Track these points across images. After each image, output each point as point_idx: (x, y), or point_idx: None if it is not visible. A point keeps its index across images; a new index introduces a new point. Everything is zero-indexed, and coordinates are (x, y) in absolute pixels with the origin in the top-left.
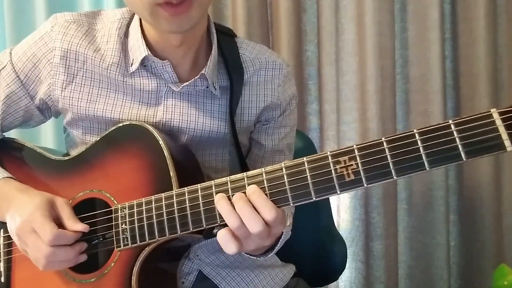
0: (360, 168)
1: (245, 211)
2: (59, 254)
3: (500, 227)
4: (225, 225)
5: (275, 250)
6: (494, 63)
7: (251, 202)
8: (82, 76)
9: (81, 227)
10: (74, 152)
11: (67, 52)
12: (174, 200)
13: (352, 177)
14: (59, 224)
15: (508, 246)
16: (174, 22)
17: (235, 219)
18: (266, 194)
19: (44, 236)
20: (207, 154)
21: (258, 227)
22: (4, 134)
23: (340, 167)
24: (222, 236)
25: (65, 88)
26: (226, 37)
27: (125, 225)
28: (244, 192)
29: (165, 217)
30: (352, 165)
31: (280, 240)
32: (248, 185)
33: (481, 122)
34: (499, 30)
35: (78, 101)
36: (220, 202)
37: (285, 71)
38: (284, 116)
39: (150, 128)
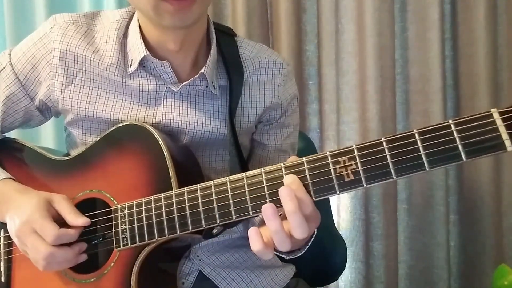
0: (360, 168)
1: (296, 218)
2: (58, 255)
3: (500, 227)
4: (225, 226)
5: (303, 251)
6: (494, 63)
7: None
8: (82, 77)
9: (83, 220)
10: (74, 152)
11: (66, 53)
12: (174, 200)
13: (352, 177)
14: (60, 220)
15: (508, 246)
16: (177, 16)
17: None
18: (264, 195)
19: (46, 237)
20: (207, 155)
21: (304, 235)
22: (4, 134)
23: (340, 167)
24: (257, 250)
25: (64, 89)
26: (226, 36)
27: (125, 225)
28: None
29: (164, 217)
30: (351, 165)
31: (312, 239)
32: (247, 185)
33: (481, 122)
34: (499, 30)
35: (77, 102)
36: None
37: (286, 70)
38: (286, 116)
39: (150, 128)
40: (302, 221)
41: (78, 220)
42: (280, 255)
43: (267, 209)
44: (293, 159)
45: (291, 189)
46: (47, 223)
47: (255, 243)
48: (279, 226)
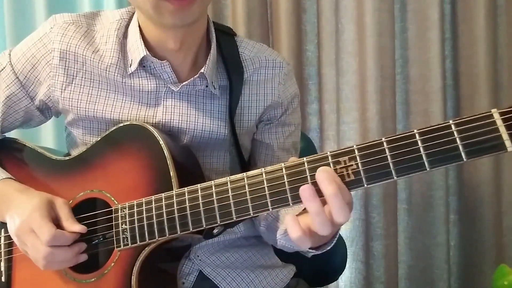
0: (360, 168)
1: (336, 201)
2: (57, 254)
3: (500, 227)
4: (225, 226)
5: (331, 244)
6: (494, 63)
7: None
8: (82, 77)
9: (79, 228)
10: (74, 152)
11: (66, 53)
12: (174, 200)
13: (352, 177)
14: (58, 224)
15: (508, 246)
16: (177, 15)
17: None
18: (265, 195)
19: (42, 237)
20: (208, 156)
21: (345, 219)
22: (4, 134)
23: (340, 167)
24: (296, 237)
25: (64, 89)
26: (226, 36)
27: (125, 225)
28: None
29: (165, 217)
30: (352, 165)
31: (337, 233)
32: (248, 185)
33: (481, 122)
34: (499, 30)
35: (77, 102)
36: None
37: (286, 69)
38: (286, 115)
39: (151, 128)
40: (343, 204)
41: (75, 227)
42: (309, 251)
43: (306, 191)
44: (293, 160)
45: (328, 172)
46: (45, 223)
47: (294, 230)
48: (319, 207)
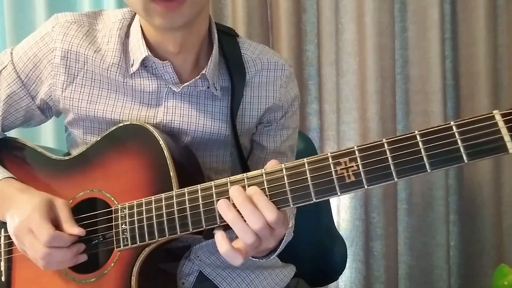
0: (361, 169)
1: (246, 207)
2: (55, 255)
3: (500, 227)
4: (225, 226)
5: (277, 252)
6: (494, 63)
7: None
8: (83, 77)
9: (77, 231)
10: (75, 152)
11: (67, 52)
12: (174, 200)
13: (353, 178)
14: (57, 225)
15: (508, 246)
16: (167, 17)
17: (234, 215)
18: (266, 195)
19: (41, 237)
20: (208, 155)
21: (259, 224)
22: (5, 133)
23: (341, 168)
24: (225, 251)
25: (65, 89)
26: (228, 36)
27: (125, 225)
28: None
29: (165, 218)
30: (352, 166)
31: (282, 242)
32: (248, 186)
33: (483, 123)
34: (499, 30)
35: (78, 101)
36: (220, 202)
37: (288, 72)
38: (286, 117)
39: (151, 128)
40: (244, 228)
41: (74, 229)
42: (254, 258)
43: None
44: (273, 164)
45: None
46: (44, 223)
47: (222, 245)
48: (235, 215)
